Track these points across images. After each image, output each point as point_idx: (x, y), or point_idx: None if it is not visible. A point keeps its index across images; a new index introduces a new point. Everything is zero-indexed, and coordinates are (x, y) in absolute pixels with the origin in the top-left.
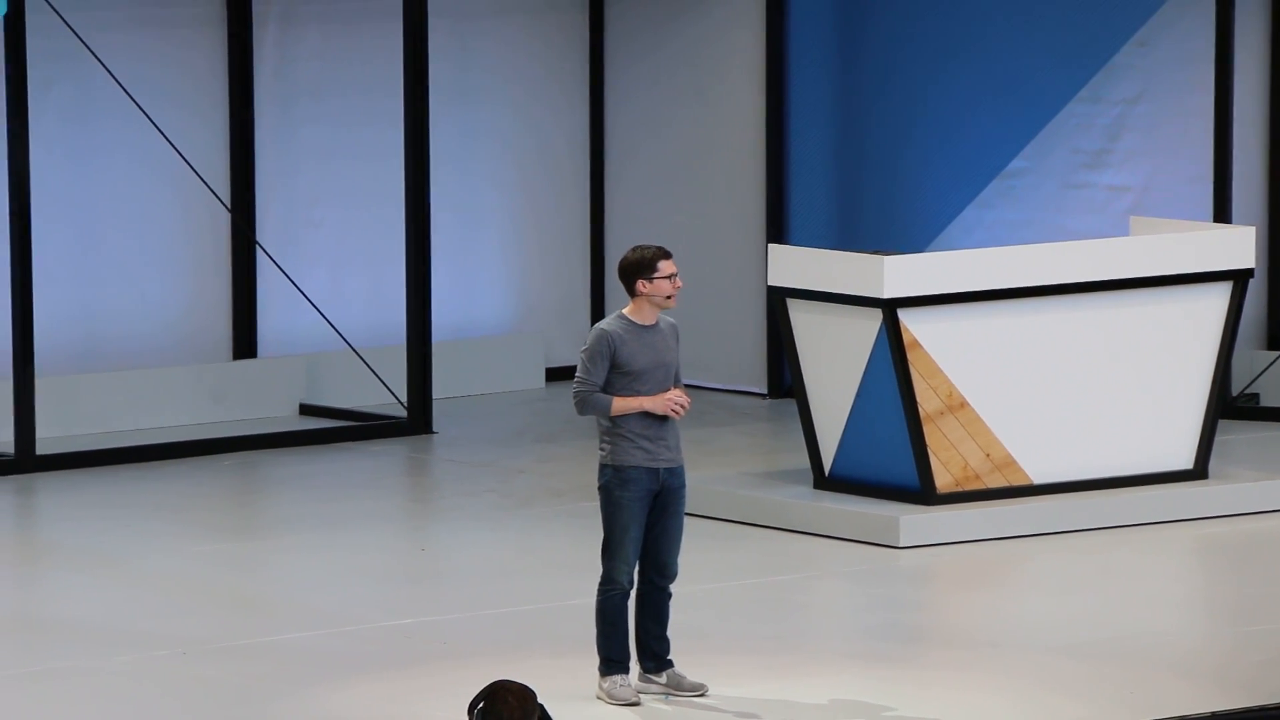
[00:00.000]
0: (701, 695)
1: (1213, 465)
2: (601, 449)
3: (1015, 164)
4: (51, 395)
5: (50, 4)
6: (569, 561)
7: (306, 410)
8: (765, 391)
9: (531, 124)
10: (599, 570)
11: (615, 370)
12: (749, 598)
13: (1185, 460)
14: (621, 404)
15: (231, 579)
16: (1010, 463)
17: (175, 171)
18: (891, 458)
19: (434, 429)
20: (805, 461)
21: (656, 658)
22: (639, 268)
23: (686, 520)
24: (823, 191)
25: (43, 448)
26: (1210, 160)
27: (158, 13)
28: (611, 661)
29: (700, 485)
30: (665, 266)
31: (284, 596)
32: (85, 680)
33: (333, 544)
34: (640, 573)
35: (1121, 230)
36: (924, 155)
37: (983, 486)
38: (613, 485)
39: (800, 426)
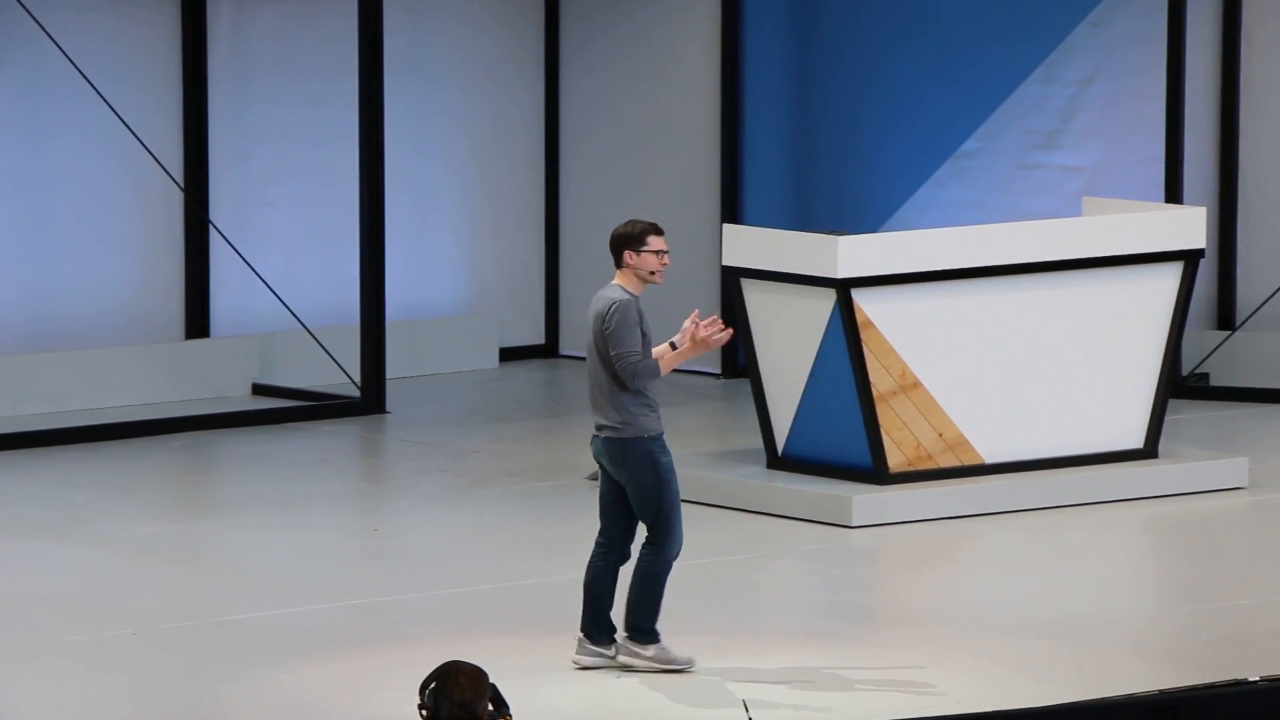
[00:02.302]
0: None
1: (1163, 445)
2: (621, 425)
3: (969, 144)
4: (2, 375)
5: None
6: (523, 541)
7: (259, 390)
8: (719, 371)
9: (487, 104)
10: (552, 550)
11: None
12: (702, 578)
13: (1136, 440)
14: (667, 362)
15: (183, 559)
16: (962, 442)
17: (128, 150)
18: (844, 437)
19: (388, 409)
20: (758, 441)
21: (606, 626)
22: (627, 240)
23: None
24: (777, 171)
25: None
26: (1162, 141)
27: None
28: (653, 629)
29: None
30: (654, 242)
31: (235, 577)
32: (35, 660)
33: (285, 524)
34: (629, 543)
35: (1074, 210)
36: (878, 135)
37: (935, 466)
38: (657, 453)
39: (754, 406)
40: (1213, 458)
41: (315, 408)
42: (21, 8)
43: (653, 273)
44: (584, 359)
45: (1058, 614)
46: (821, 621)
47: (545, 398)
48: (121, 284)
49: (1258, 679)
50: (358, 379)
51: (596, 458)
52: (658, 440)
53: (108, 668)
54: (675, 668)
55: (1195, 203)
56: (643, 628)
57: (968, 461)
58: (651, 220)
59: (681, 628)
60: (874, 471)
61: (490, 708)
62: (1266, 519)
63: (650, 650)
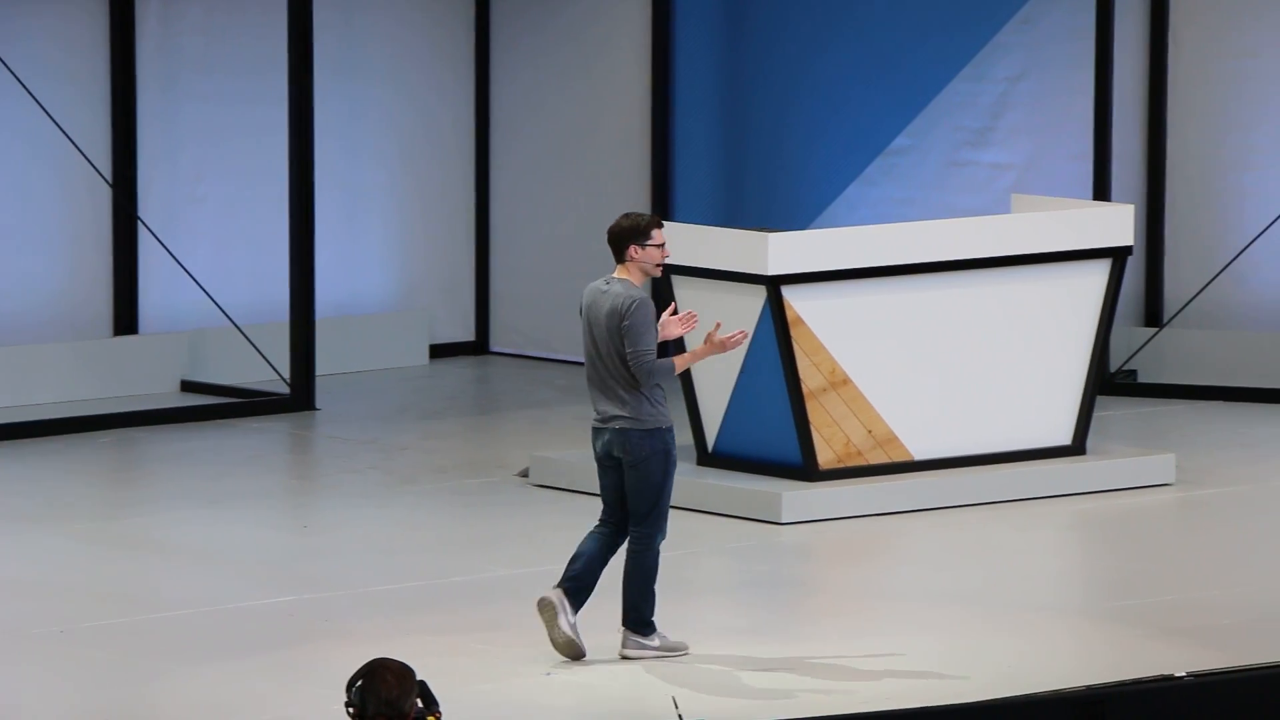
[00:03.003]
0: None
1: (1091, 441)
2: (636, 418)
3: (899, 141)
4: None
5: None
6: (453, 539)
7: (188, 387)
8: None
9: (417, 101)
10: (483, 547)
11: None
12: None
13: (1064, 436)
14: (681, 362)
15: (110, 557)
16: (892, 439)
17: (56, 146)
18: (774, 434)
19: (317, 406)
20: (689, 438)
21: (581, 599)
22: (633, 234)
23: (578, 499)
24: (707, 168)
25: None
26: (1091, 138)
27: None
28: (650, 620)
29: (585, 462)
30: (658, 235)
31: (163, 575)
32: None
33: (214, 521)
34: (620, 524)
35: (1003, 208)
36: (808, 133)
37: (865, 463)
38: (669, 444)
39: (684, 403)
40: (1140, 454)
41: (244, 405)
42: None
43: (657, 265)
44: (515, 355)
45: (986, 610)
46: (752, 617)
47: (475, 395)
48: (49, 280)
49: (1184, 674)
50: (287, 376)
51: (603, 451)
52: (670, 432)
53: (35, 665)
54: (677, 654)
55: (1123, 200)
56: (645, 619)
57: (897, 458)
58: (653, 214)
59: (612, 624)
60: (804, 468)
61: (420, 705)
62: (1193, 515)
63: (655, 641)
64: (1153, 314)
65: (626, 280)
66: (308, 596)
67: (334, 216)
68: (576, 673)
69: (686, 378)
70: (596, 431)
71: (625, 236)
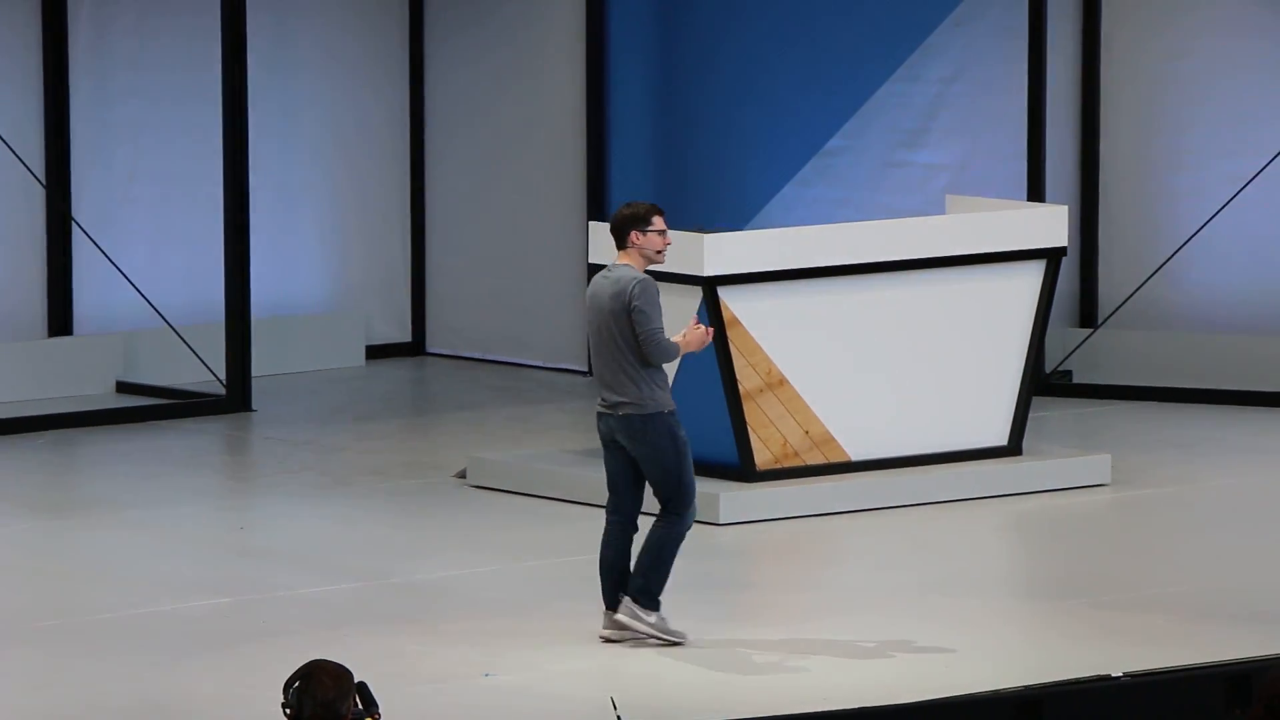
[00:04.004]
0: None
1: (1027, 442)
2: (641, 401)
3: (834, 142)
4: None
5: None
6: (390, 540)
7: (124, 388)
8: (586, 369)
9: (352, 101)
10: (420, 549)
11: None
12: (570, 574)
13: (1000, 437)
14: (681, 343)
15: (44, 558)
16: (829, 440)
17: None
18: (711, 435)
19: (253, 407)
20: None
21: (618, 593)
22: (634, 221)
23: (515, 500)
24: (643, 169)
25: None
26: (1024, 139)
27: None
28: (659, 600)
29: (522, 463)
30: (658, 222)
31: (99, 575)
32: None
33: (149, 522)
34: (638, 516)
35: (938, 208)
36: (744, 133)
37: (802, 463)
38: (674, 426)
39: None
40: (1076, 455)
41: (180, 406)
42: None
43: (659, 251)
44: (452, 357)
45: (924, 609)
46: (689, 619)
47: (412, 396)
48: None
49: (1121, 675)
50: (223, 377)
51: (608, 434)
52: (674, 415)
53: None
54: (672, 639)
55: (1057, 201)
56: (651, 593)
57: (834, 459)
58: (651, 202)
59: (549, 626)
60: (741, 469)
61: (359, 706)
62: (1128, 515)
63: (652, 618)
64: (1088, 315)
65: (628, 265)
66: (245, 598)
67: (269, 217)
68: (512, 674)
69: None
70: (601, 416)
71: (626, 224)
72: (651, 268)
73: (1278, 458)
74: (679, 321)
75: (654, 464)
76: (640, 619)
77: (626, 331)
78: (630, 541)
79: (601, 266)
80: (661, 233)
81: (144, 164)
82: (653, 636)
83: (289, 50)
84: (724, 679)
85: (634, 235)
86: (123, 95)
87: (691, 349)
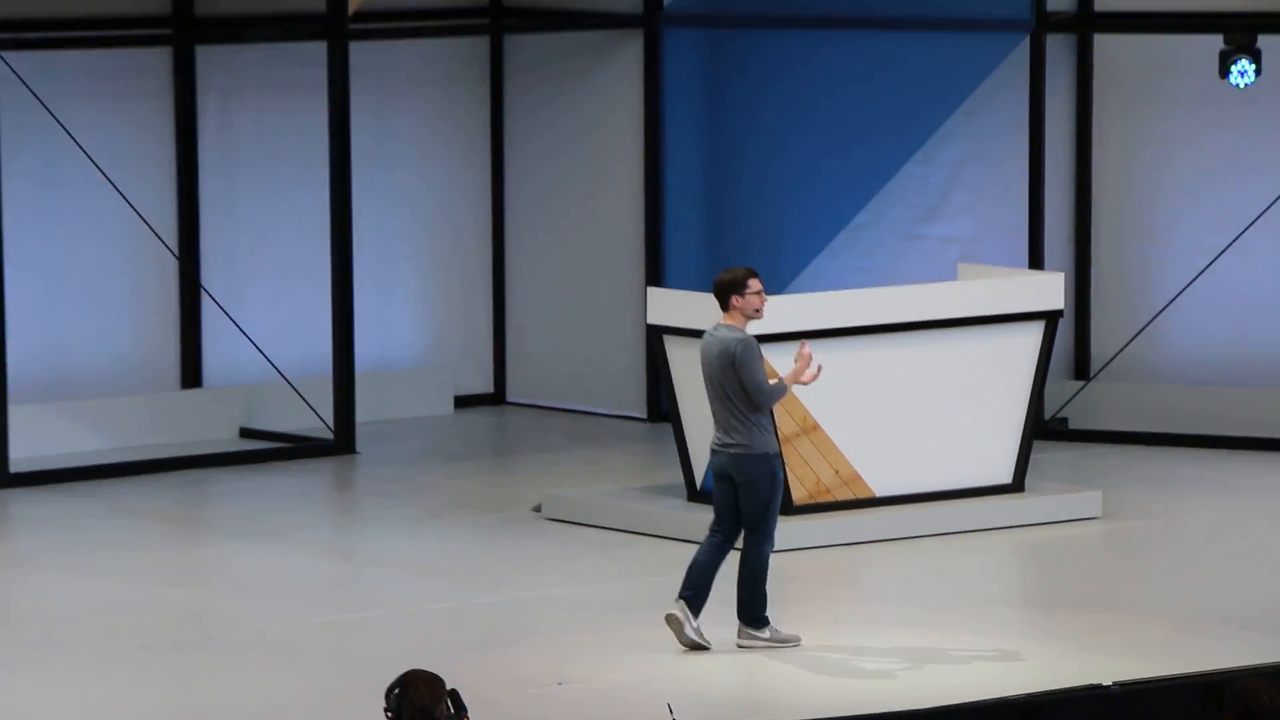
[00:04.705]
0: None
1: (1029, 480)
2: (749, 444)
3: (860, 218)
4: (23, 421)
5: (18, 76)
6: (476, 566)
7: (246, 433)
8: (645, 416)
9: (441, 183)
10: (501, 574)
11: None
12: (632, 596)
13: (1005, 475)
14: (789, 380)
15: (180, 581)
16: (856, 478)
17: (131, 225)
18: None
19: (357, 449)
20: (680, 478)
21: (700, 602)
22: (732, 286)
23: (584, 531)
24: (694, 241)
25: (15, 466)
26: (1025, 216)
27: (113, 85)
28: (763, 616)
29: (591, 499)
30: (754, 284)
31: (225, 596)
32: (58, 664)
33: (268, 550)
34: (729, 533)
35: (951, 275)
36: (782, 210)
37: (833, 499)
38: (776, 467)
39: (675, 447)
40: (1071, 491)
41: (294, 449)
42: (38, 102)
43: (757, 310)
44: (529, 405)
45: (940, 625)
46: (735, 629)
47: (494, 440)
48: (124, 341)
49: (1111, 684)
50: (331, 424)
51: (720, 468)
52: (778, 457)
53: (122, 674)
54: (789, 644)
55: (1055, 269)
56: (757, 615)
57: (861, 495)
58: (746, 267)
59: (619, 640)
60: (781, 504)
61: (451, 710)
62: (1118, 545)
63: (766, 633)
64: (1082, 368)
65: (731, 325)
66: (351, 616)
67: (370, 284)
68: (582, 682)
69: (678, 425)
70: (714, 452)
71: (727, 289)
72: (751, 324)
73: (1250, 495)
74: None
75: (751, 496)
76: (756, 638)
77: (734, 384)
78: (722, 555)
79: (659, 327)
80: (758, 293)
81: (263, 239)
82: (770, 646)
83: (387, 142)
84: (761, 680)
85: (734, 299)
86: (245, 181)
87: (800, 381)
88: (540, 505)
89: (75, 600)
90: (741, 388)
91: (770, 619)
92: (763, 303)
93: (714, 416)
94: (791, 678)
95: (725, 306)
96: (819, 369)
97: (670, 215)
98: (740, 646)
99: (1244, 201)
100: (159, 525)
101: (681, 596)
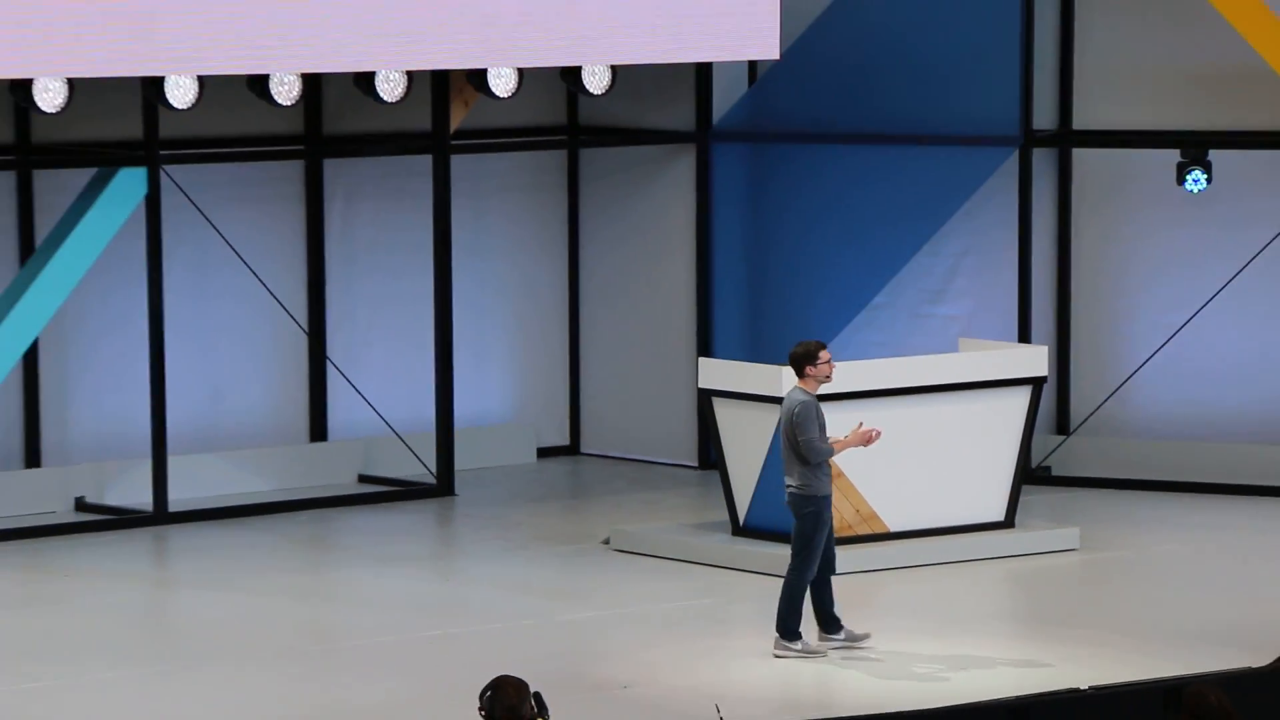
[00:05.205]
0: (866, 640)
1: (1018, 518)
2: (802, 486)
3: (878, 299)
4: (180, 467)
5: (178, 185)
6: (553, 588)
7: (364, 479)
8: (696, 465)
9: (526, 270)
10: (576, 596)
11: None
12: (686, 614)
13: (998, 514)
14: (839, 445)
15: (310, 599)
16: (873, 516)
17: (268, 304)
18: (787, 513)
19: (455, 492)
20: (725, 515)
21: (833, 621)
22: (805, 358)
23: (646, 560)
24: (738, 319)
25: (173, 506)
26: (1015, 298)
27: (255, 191)
28: (795, 630)
29: (652, 534)
30: (824, 355)
31: (346, 612)
32: (208, 668)
33: (382, 574)
34: (819, 566)
35: (953, 347)
36: (811, 292)
37: (854, 533)
38: (821, 509)
39: (722, 490)
40: (1054, 528)
41: (403, 492)
42: (194, 206)
43: (826, 378)
44: (600, 456)
45: (945, 637)
46: (772, 642)
47: (569, 484)
48: (263, 401)
49: (1088, 688)
50: (434, 470)
51: (786, 504)
52: (825, 500)
53: (262, 677)
54: (817, 655)
55: (1039, 343)
56: (790, 629)
57: (877, 530)
58: (815, 340)
59: (677, 651)
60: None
61: (535, 710)
62: (1092, 572)
63: (798, 644)
64: (1063, 425)
65: (801, 388)
66: (451, 630)
67: (467, 353)
68: (646, 686)
69: (724, 471)
70: (785, 491)
71: (801, 361)
72: (821, 389)
73: (1209, 532)
74: (755, 433)
75: (798, 530)
76: (788, 649)
77: (794, 438)
78: (828, 581)
79: (708, 391)
80: (828, 363)
81: (377, 316)
82: (802, 656)
83: (482, 235)
84: (791, 684)
85: (808, 368)
86: (362, 268)
87: (851, 446)
88: (609, 538)
89: (223, 615)
90: (798, 441)
91: (803, 634)
92: (831, 370)
93: (783, 462)
94: (818, 682)
95: (800, 374)
96: (865, 438)
97: (717, 297)
98: (776, 656)
99: (1197, 287)
100: (291, 554)
101: (821, 632)
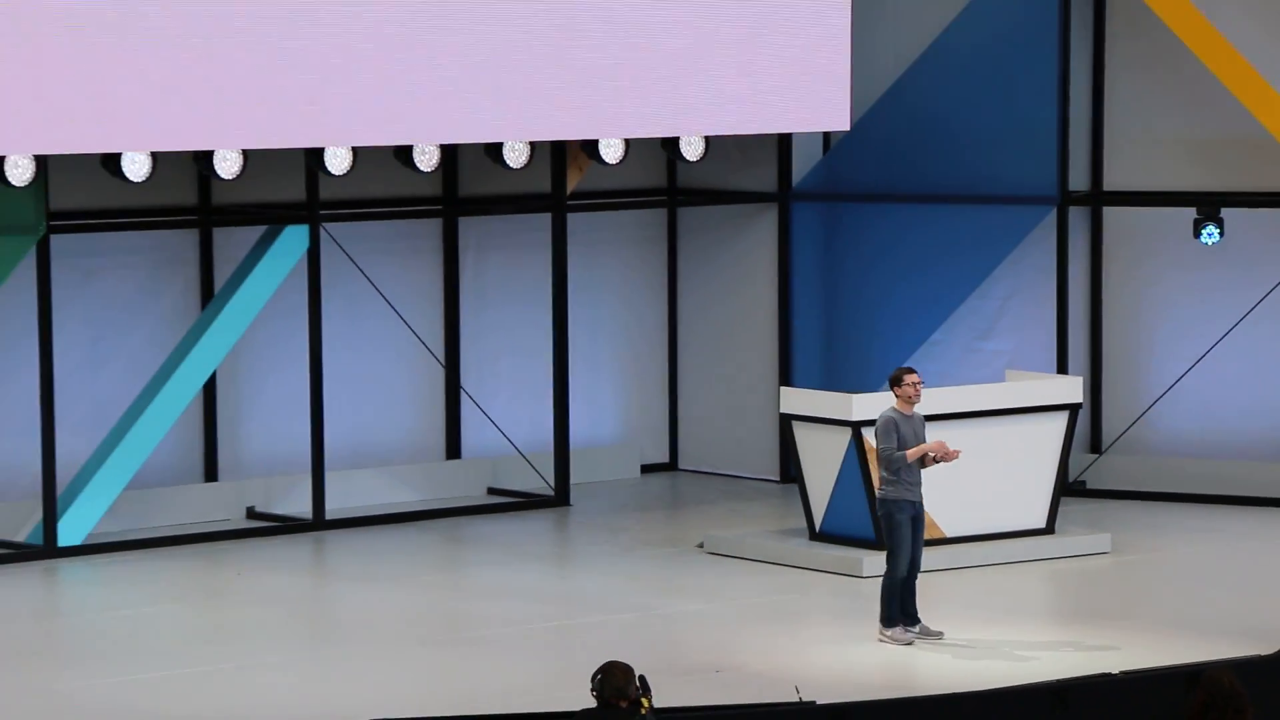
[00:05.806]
0: (940, 637)
1: (1058, 525)
2: (881, 490)
3: (935, 336)
4: (335, 481)
5: (334, 240)
6: (655, 585)
7: (493, 491)
8: (778, 479)
9: (632, 311)
10: (677, 593)
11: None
12: (770, 608)
13: (1040, 522)
14: (911, 453)
15: (445, 596)
16: (931, 523)
17: (410, 343)
18: (857, 520)
19: (571, 503)
20: (804, 523)
21: (910, 617)
22: (895, 381)
23: (734, 561)
24: (814, 353)
25: (330, 514)
26: (1054, 335)
27: (399, 245)
28: (893, 618)
29: (740, 538)
30: (909, 379)
31: (479, 604)
32: (358, 652)
33: (507, 572)
34: (920, 558)
35: (1000, 378)
36: (877, 331)
37: None
38: (894, 511)
39: (800, 501)
40: (1089, 534)
41: (526, 503)
42: (348, 258)
43: (910, 398)
44: (696, 472)
45: (997, 627)
46: (843, 632)
47: (670, 497)
48: (404, 424)
49: (1119, 672)
50: (552, 484)
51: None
52: (909, 504)
53: (403, 663)
54: (905, 643)
55: (1075, 374)
56: (887, 618)
57: (933, 535)
58: (907, 367)
59: (762, 641)
60: (876, 542)
61: (639, 690)
62: (1122, 573)
63: (890, 632)
64: (1096, 444)
65: (894, 407)
66: (567, 621)
67: (580, 383)
68: (736, 670)
69: (802, 485)
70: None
71: (893, 383)
72: (916, 398)
73: (1225, 538)
74: (829, 452)
75: (885, 531)
76: (884, 635)
77: (875, 449)
78: (912, 578)
79: (789, 416)
80: (914, 385)
81: (504, 352)
82: (894, 643)
83: (594, 284)
84: (858, 668)
85: (896, 389)
86: (491, 312)
87: (922, 453)
88: (703, 543)
89: (373, 607)
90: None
91: (901, 623)
92: (917, 392)
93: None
94: (883, 667)
95: (893, 392)
96: (939, 448)
97: (796, 333)
98: (880, 640)
99: (1212, 325)
100: (430, 555)
101: (905, 626)
